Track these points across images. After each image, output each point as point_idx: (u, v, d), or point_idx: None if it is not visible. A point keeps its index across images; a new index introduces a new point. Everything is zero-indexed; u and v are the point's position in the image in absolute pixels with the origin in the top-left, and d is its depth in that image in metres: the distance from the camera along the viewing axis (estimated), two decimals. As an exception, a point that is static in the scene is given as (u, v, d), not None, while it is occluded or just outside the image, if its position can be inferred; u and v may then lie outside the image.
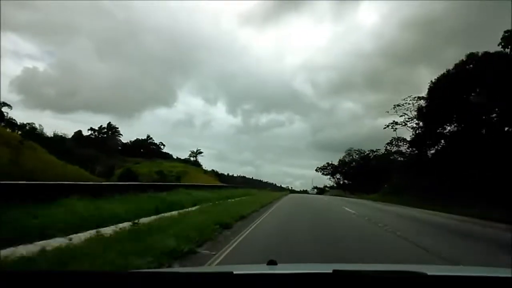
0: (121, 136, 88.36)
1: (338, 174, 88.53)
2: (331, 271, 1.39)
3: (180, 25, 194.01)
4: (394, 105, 43.35)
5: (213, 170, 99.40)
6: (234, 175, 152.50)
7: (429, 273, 1.40)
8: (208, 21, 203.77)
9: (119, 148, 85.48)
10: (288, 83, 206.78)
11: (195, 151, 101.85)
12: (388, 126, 47.05)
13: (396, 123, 45.29)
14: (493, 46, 27.70)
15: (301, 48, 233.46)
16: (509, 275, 1.50)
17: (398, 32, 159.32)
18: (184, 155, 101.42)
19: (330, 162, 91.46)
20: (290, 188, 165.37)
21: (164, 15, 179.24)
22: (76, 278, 1.33)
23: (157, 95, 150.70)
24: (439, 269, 2.28)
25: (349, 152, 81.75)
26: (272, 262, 1.83)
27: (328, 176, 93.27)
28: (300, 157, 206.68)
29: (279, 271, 1.70)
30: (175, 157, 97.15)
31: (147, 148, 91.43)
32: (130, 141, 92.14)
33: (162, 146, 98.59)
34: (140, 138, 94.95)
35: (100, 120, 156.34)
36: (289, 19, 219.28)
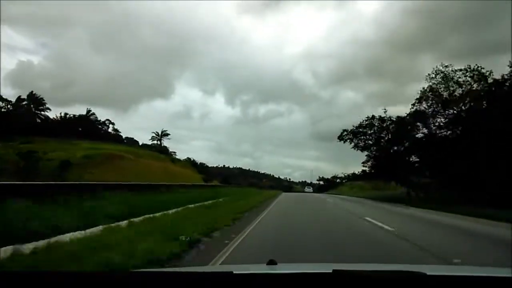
0: (47, 111, 67.50)
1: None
2: (331, 271, 1.40)
3: (177, 15, 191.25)
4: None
5: (190, 160, 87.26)
6: (230, 167, 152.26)
7: (429, 273, 1.41)
8: (206, 10, 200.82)
9: (38, 125, 61.91)
10: (287, 73, 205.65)
11: (158, 133, 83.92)
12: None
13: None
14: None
15: (301, 37, 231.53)
16: (509, 275, 1.50)
17: (400, 20, 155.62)
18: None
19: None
20: (288, 179, 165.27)
21: (161, 5, 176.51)
22: (76, 278, 1.33)
23: (154, 87, 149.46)
24: (439, 269, 2.30)
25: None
26: (272, 262, 1.83)
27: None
28: (300, 148, 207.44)
29: (279, 271, 1.71)
30: (139, 143, 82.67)
31: (87, 127, 69.43)
32: (59, 117, 69.56)
33: (109, 125, 77.43)
34: (77, 114, 72.18)
35: (96, 113, 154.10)
36: (289, 6, 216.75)
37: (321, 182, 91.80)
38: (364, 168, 46.75)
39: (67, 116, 70.52)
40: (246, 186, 66.72)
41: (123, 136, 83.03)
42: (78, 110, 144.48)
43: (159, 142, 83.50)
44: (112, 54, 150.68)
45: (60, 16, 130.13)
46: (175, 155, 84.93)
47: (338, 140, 38.99)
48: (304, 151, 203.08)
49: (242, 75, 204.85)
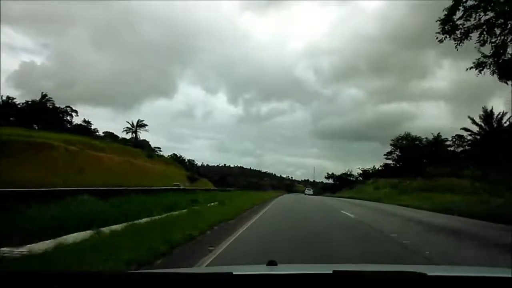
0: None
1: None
2: (331, 272, 1.39)
3: (179, 13, 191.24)
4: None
5: (176, 156, 77.79)
6: (231, 166, 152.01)
7: (429, 273, 1.41)
8: (208, 7, 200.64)
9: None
10: (290, 70, 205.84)
11: (131, 122, 71.50)
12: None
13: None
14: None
15: (304, 33, 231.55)
16: (509, 275, 1.49)
17: (404, 14, 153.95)
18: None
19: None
20: (291, 178, 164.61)
21: (162, 2, 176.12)
22: (76, 278, 1.33)
23: (157, 86, 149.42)
24: (439, 269, 2.30)
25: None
26: (272, 263, 1.83)
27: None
28: (302, 146, 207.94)
29: (279, 272, 1.71)
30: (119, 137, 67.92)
31: (45, 114, 55.38)
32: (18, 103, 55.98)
33: (72, 113, 60.86)
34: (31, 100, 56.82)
35: (99, 112, 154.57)
36: (291, 2, 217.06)
37: (330, 181, 72.93)
38: (387, 162, 40.08)
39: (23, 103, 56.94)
40: (240, 188, 56.62)
41: (100, 130, 68.06)
42: (82, 109, 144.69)
43: (134, 135, 71.30)
44: (114, 52, 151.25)
45: (61, 15, 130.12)
46: (159, 151, 75.24)
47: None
48: (306, 149, 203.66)
49: (244, 73, 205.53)
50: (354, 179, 64.96)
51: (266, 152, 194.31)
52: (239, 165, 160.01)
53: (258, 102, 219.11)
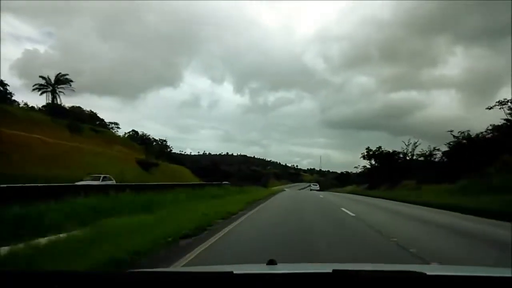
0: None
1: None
2: (331, 271, 1.40)
3: (185, 1, 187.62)
4: None
5: (137, 134, 61.01)
6: (234, 154, 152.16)
7: (428, 273, 1.41)
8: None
9: None
10: (298, 58, 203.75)
11: (47, 77, 46.67)
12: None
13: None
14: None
15: (313, 19, 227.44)
16: (509, 275, 1.49)
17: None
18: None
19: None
20: (296, 167, 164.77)
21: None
22: (76, 278, 1.34)
23: (162, 75, 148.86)
24: (439, 269, 2.31)
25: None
26: (272, 262, 1.84)
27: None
28: (308, 136, 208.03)
29: (279, 271, 1.72)
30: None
31: None
32: None
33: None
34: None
35: (104, 103, 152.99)
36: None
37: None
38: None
39: None
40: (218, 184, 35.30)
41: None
42: (86, 99, 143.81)
43: (51, 97, 47.32)
44: (119, 42, 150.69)
45: (66, 3, 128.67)
46: (116, 127, 57.66)
47: None
48: (313, 139, 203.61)
49: (251, 62, 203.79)
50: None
51: (272, 141, 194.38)
52: (242, 154, 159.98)
53: (265, 91, 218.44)
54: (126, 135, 60.97)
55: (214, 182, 36.56)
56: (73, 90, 49.07)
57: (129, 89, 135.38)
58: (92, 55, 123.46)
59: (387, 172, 43.96)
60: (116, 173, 26.85)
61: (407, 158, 46.20)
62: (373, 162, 51.08)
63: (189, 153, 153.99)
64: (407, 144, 45.74)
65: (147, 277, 1.43)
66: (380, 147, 50.67)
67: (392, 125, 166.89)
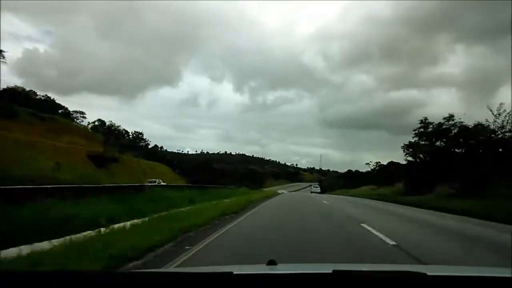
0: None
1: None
2: (331, 271, 1.40)
3: (185, 1, 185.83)
4: None
5: (98, 124, 51.90)
6: (232, 153, 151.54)
7: (429, 273, 1.41)
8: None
9: None
10: (298, 57, 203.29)
11: None
12: None
13: None
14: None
15: (313, 18, 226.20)
16: (509, 275, 1.50)
17: None
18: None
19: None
20: (295, 165, 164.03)
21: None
22: (76, 278, 1.33)
23: (161, 74, 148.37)
24: (439, 269, 2.31)
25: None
26: (272, 262, 1.84)
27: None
28: (308, 135, 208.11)
29: (279, 271, 1.72)
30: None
31: None
32: None
33: None
34: None
35: (104, 102, 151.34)
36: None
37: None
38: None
39: None
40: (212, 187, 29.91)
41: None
42: (85, 98, 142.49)
43: None
44: (118, 41, 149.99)
45: (65, 2, 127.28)
46: (82, 116, 49.85)
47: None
48: (312, 138, 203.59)
49: (251, 61, 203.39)
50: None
51: (271, 141, 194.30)
52: (241, 153, 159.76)
53: (264, 90, 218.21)
54: (90, 126, 52.99)
55: (151, 182, 27.24)
56: (5, 62, 32.58)
57: (128, 88, 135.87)
58: (91, 54, 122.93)
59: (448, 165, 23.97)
60: (47, 170, 21.57)
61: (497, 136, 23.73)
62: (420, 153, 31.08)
63: (187, 152, 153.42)
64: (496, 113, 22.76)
65: (147, 278, 1.43)
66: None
67: (391, 125, 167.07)
